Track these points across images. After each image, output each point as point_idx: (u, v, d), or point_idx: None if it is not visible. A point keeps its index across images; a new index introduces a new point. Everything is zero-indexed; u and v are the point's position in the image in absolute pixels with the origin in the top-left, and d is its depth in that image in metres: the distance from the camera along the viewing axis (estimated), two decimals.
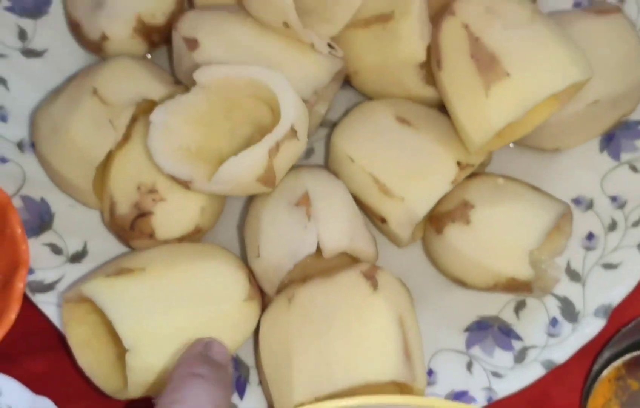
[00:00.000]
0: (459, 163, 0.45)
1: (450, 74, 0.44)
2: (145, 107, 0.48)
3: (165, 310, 0.42)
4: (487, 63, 0.42)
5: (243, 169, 0.41)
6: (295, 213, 0.44)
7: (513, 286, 0.45)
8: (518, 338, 0.46)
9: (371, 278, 0.42)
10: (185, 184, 0.42)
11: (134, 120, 0.47)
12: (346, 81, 0.51)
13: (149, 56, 0.53)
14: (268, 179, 0.42)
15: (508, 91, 0.42)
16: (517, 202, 0.45)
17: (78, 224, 0.49)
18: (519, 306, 0.47)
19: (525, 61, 0.42)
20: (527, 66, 0.42)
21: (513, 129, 0.45)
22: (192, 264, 0.43)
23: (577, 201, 0.50)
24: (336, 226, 0.44)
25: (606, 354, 0.44)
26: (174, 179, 0.42)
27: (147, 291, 0.42)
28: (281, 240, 0.44)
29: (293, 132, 0.41)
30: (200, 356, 0.40)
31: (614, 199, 0.49)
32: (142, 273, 0.42)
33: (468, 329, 0.47)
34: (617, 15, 0.48)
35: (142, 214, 0.46)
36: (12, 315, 0.44)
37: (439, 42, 0.45)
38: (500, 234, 0.45)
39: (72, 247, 0.49)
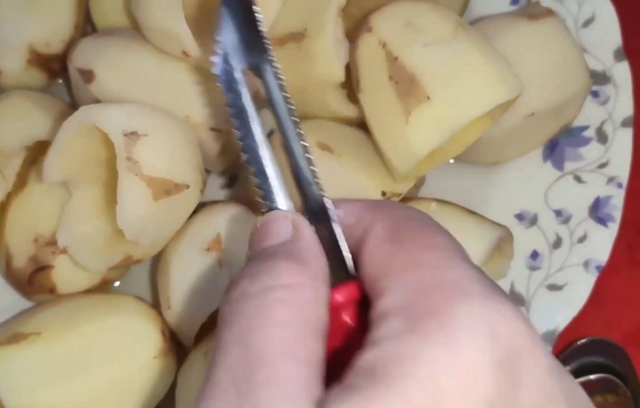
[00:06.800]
0: (384, 193, 0.41)
1: (369, 96, 0.40)
2: (43, 149, 0.43)
3: (61, 380, 0.38)
4: (407, 85, 0.38)
5: None
6: (206, 259, 0.40)
7: None
8: None
9: None
10: None
11: (32, 162, 0.43)
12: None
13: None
14: None
15: (429, 116, 0.38)
16: (450, 229, 0.42)
17: None
18: None
19: (447, 83, 0.38)
20: (449, 88, 0.38)
21: (443, 151, 0.41)
22: (95, 322, 0.40)
23: (520, 217, 0.47)
24: None
25: None
26: None
27: (42, 359, 0.38)
28: (193, 290, 0.40)
29: None
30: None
31: (558, 213, 0.46)
32: (37, 339, 0.38)
33: None
34: (550, 19, 0.44)
35: (41, 268, 0.42)
36: None
37: (356, 62, 0.41)
38: None
39: None
